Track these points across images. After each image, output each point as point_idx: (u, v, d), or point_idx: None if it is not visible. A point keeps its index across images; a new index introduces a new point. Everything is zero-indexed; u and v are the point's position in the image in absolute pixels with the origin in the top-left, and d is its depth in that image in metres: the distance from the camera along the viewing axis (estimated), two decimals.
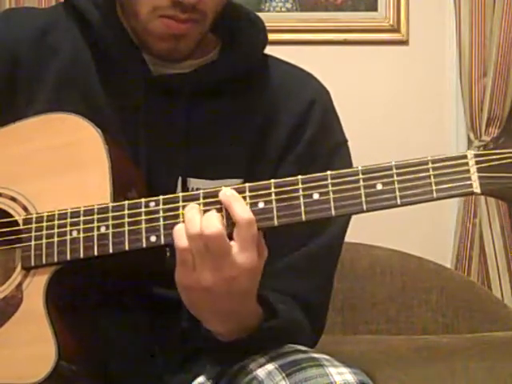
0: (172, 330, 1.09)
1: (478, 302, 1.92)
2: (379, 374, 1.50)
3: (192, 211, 0.90)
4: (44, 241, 0.97)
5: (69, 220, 0.96)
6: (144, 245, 0.93)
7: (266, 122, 1.12)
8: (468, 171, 0.86)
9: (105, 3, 1.11)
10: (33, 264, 0.97)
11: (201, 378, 1.09)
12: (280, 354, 0.99)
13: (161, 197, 0.94)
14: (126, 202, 0.95)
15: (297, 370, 0.94)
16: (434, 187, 0.86)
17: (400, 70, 2.45)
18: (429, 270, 1.96)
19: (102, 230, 0.94)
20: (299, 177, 0.90)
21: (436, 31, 2.43)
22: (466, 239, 2.39)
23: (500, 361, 1.58)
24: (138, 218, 0.94)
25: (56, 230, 0.96)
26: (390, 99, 2.44)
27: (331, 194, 0.89)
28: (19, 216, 0.99)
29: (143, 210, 0.94)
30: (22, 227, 0.99)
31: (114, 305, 1.02)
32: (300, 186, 0.90)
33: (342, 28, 2.43)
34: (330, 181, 0.89)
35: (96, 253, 0.94)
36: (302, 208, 0.89)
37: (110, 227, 0.94)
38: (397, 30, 2.42)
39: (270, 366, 0.97)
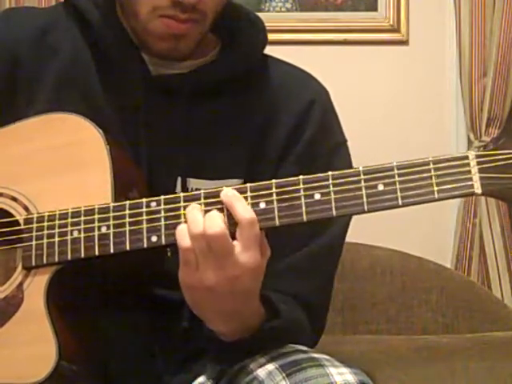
0: (172, 330, 1.09)
1: (478, 302, 1.91)
2: (379, 374, 1.49)
3: (194, 211, 0.91)
4: (45, 240, 0.97)
5: (70, 220, 0.96)
6: (145, 245, 0.93)
7: (266, 122, 1.12)
8: (469, 172, 0.86)
9: (105, 3, 1.11)
10: (34, 264, 0.97)
11: (201, 378, 1.09)
12: (280, 354, 0.99)
13: (162, 197, 0.94)
14: (127, 202, 0.95)
15: (297, 370, 0.94)
16: (435, 188, 0.86)
17: (400, 70, 2.45)
18: (429, 270, 1.96)
19: (103, 229, 0.95)
20: (300, 177, 0.90)
21: (436, 31, 2.43)
22: (466, 239, 2.39)
23: (500, 361, 1.58)
24: (139, 218, 0.94)
25: (57, 230, 0.96)
26: (390, 99, 2.44)
27: (332, 194, 0.89)
28: (20, 216, 0.99)
29: (144, 210, 0.94)
30: (22, 227, 0.99)
31: (115, 305, 1.02)
32: (301, 186, 0.90)
33: (342, 28, 2.43)
34: (331, 181, 0.89)
35: (97, 253, 0.94)
36: (304, 208, 0.89)
37: (111, 227, 0.94)
38: (397, 30, 2.42)
39: (271, 366, 0.97)
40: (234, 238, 0.90)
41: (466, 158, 0.86)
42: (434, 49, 2.43)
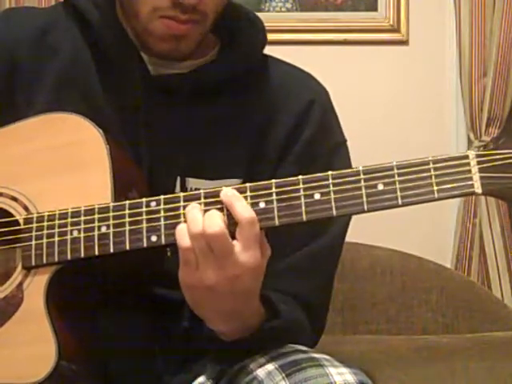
0: (172, 330, 1.09)
1: (478, 302, 1.91)
2: (379, 374, 1.49)
3: (194, 210, 0.91)
4: (45, 240, 0.97)
5: (69, 220, 0.96)
6: (145, 244, 0.93)
7: (266, 121, 1.12)
8: (469, 171, 0.86)
9: (104, 3, 1.11)
10: (33, 264, 0.97)
11: (201, 378, 1.09)
12: (280, 354, 0.99)
13: (162, 196, 0.94)
14: (127, 202, 0.95)
15: (297, 370, 0.94)
16: (435, 187, 0.86)
17: (400, 70, 2.45)
18: (429, 269, 1.96)
19: (103, 229, 0.94)
20: (300, 177, 0.90)
21: (436, 31, 2.43)
22: (466, 239, 2.38)
23: (500, 361, 1.58)
24: (139, 218, 0.94)
25: (57, 230, 0.96)
26: (390, 99, 2.44)
27: (332, 194, 0.89)
28: (20, 216, 0.99)
29: (144, 209, 0.94)
30: (22, 227, 0.99)
31: (115, 304, 1.02)
32: (301, 185, 0.90)
33: (342, 28, 2.43)
34: (331, 181, 0.89)
35: (97, 252, 0.94)
36: (303, 208, 0.89)
37: (111, 227, 0.94)
38: (397, 30, 2.42)
39: (270, 366, 0.97)
40: (234, 237, 0.90)
41: (466, 157, 0.86)
42: (434, 49, 2.43)
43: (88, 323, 1.01)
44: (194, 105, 1.10)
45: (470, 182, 0.86)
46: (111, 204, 0.95)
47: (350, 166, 1.08)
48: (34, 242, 0.97)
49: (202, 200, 0.92)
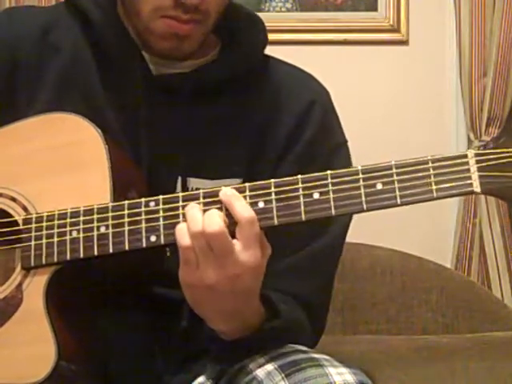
0: (172, 330, 1.09)
1: (478, 302, 1.91)
2: (379, 374, 1.49)
3: (193, 209, 0.91)
4: (44, 241, 0.97)
5: (68, 220, 0.96)
6: (144, 245, 0.93)
7: (266, 121, 1.12)
8: (468, 170, 0.86)
9: (106, 2, 1.11)
10: (33, 264, 0.97)
11: (201, 378, 1.08)
12: (280, 354, 0.99)
13: (160, 196, 0.94)
14: (126, 202, 0.95)
15: (296, 370, 0.94)
16: (433, 186, 0.86)
17: (400, 70, 2.44)
18: (429, 270, 1.96)
19: (102, 229, 0.94)
20: (299, 176, 0.90)
21: (436, 31, 2.43)
22: (466, 239, 2.38)
23: (500, 361, 1.58)
24: (138, 218, 0.94)
25: (56, 230, 0.96)
26: (390, 99, 2.43)
27: (331, 193, 0.89)
28: (19, 216, 0.99)
29: (143, 209, 0.94)
30: (21, 227, 0.99)
31: (114, 304, 1.02)
32: (300, 185, 0.90)
33: (342, 28, 2.43)
34: (329, 180, 0.89)
35: (96, 253, 0.94)
36: (302, 207, 0.89)
37: (110, 227, 0.94)
38: (397, 30, 2.42)
39: (270, 367, 0.97)
40: (233, 237, 0.90)
41: (465, 156, 0.86)
42: (434, 49, 2.43)
43: (87, 323, 1.01)
44: (194, 104, 1.10)
45: (468, 181, 0.85)
46: (110, 204, 0.95)
47: (350, 167, 1.08)
48: (33, 243, 0.97)
49: (201, 200, 0.92)
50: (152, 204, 0.94)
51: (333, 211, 0.88)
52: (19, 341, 0.96)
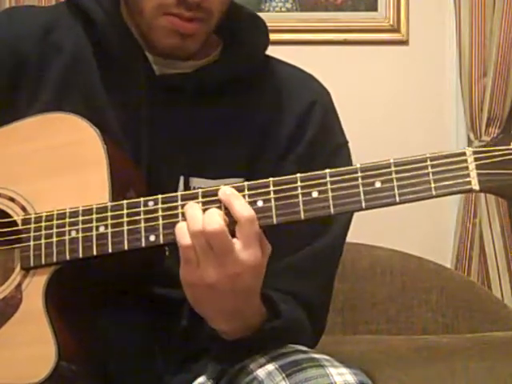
0: (172, 330, 1.09)
1: (478, 302, 1.91)
2: (379, 374, 1.49)
3: (193, 208, 0.91)
4: (43, 241, 0.97)
5: (67, 220, 0.96)
6: (143, 244, 0.93)
7: (268, 122, 1.12)
8: (467, 168, 0.86)
9: (109, 2, 1.11)
10: (32, 264, 0.97)
11: (201, 379, 1.08)
12: (280, 354, 0.99)
13: (159, 196, 0.94)
14: (125, 202, 0.95)
15: (297, 370, 0.94)
16: (432, 184, 0.86)
17: (400, 70, 2.44)
18: (429, 270, 1.96)
19: (101, 229, 0.94)
20: (298, 175, 0.90)
21: (436, 31, 2.43)
22: (466, 239, 2.38)
23: (500, 361, 1.58)
24: (137, 218, 0.94)
25: (55, 230, 0.96)
26: (390, 99, 2.43)
27: (330, 192, 0.89)
28: (18, 216, 0.99)
29: (142, 209, 0.94)
30: (20, 227, 0.99)
31: (114, 304, 1.02)
32: (299, 184, 0.90)
33: (342, 28, 2.43)
34: (328, 179, 0.89)
35: (95, 252, 0.94)
36: (301, 206, 0.89)
37: (109, 227, 0.94)
38: (397, 30, 2.42)
39: (271, 367, 0.97)
40: (233, 235, 0.89)
41: (464, 154, 0.86)
42: (434, 49, 2.43)
43: (87, 323, 1.01)
44: (196, 104, 1.10)
45: (467, 179, 0.85)
46: (109, 204, 0.95)
47: None
48: (32, 243, 0.97)
49: (200, 199, 0.92)
50: (151, 203, 0.94)
51: (332, 210, 0.88)
52: (19, 341, 0.95)
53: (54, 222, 0.97)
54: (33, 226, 0.98)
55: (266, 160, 1.12)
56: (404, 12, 2.41)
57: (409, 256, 1.98)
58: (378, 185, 0.87)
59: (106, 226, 0.94)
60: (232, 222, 0.89)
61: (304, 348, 1.02)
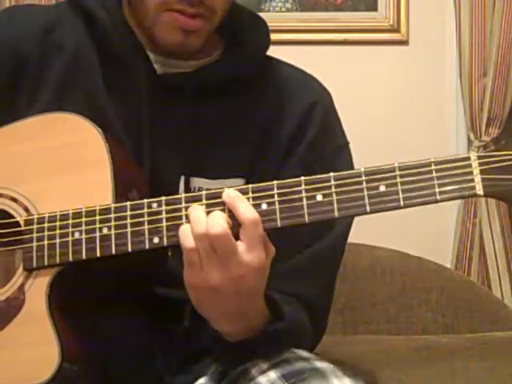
0: (173, 330, 1.09)
1: (478, 302, 1.91)
2: (379, 375, 1.49)
3: (197, 211, 0.90)
4: (46, 242, 0.97)
5: (71, 221, 0.96)
6: (147, 246, 0.93)
7: (268, 122, 1.12)
8: (471, 173, 0.85)
9: (111, 2, 1.11)
10: (35, 265, 0.97)
11: (202, 380, 1.09)
12: (283, 361, 0.99)
13: (163, 198, 0.94)
14: (128, 203, 0.95)
15: (300, 380, 0.94)
16: (437, 189, 0.86)
17: (400, 70, 2.44)
18: (429, 270, 1.95)
19: (105, 231, 0.94)
20: (302, 178, 0.90)
21: (436, 31, 2.43)
22: (466, 239, 2.38)
23: (500, 361, 1.57)
24: (141, 219, 0.93)
25: (58, 231, 0.96)
26: (390, 99, 2.43)
27: (334, 195, 0.88)
28: (20, 217, 0.99)
29: (146, 211, 0.94)
30: (23, 228, 0.98)
31: (115, 305, 1.02)
32: (303, 187, 0.90)
33: (342, 28, 2.43)
34: (333, 182, 0.89)
35: (98, 254, 0.94)
36: (305, 209, 0.89)
37: (113, 228, 0.94)
38: (397, 30, 2.42)
39: (273, 374, 0.97)
40: (237, 238, 0.89)
41: (468, 159, 0.86)
42: (434, 49, 2.43)
43: (89, 324, 1.01)
44: (197, 104, 1.10)
45: (471, 184, 0.85)
46: (112, 205, 0.95)
47: (352, 168, 1.08)
48: (35, 244, 0.97)
49: (204, 201, 0.92)
50: (154, 205, 0.93)
51: (336, 213, 0.88)
52: (22, 342, 0.95)
53: (57, 223, 0.97)
54: (35, 226, 0.98)
55: (267, 160, 1.12)
56: (404, 12, 2.41)
57: (409, 256, 1.97)
58: (382, 189, 0.87)
59: (110, 228, 0.94)
60: (236, 224, 0.89)
61: (307, 354, 1.02)
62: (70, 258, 0.95)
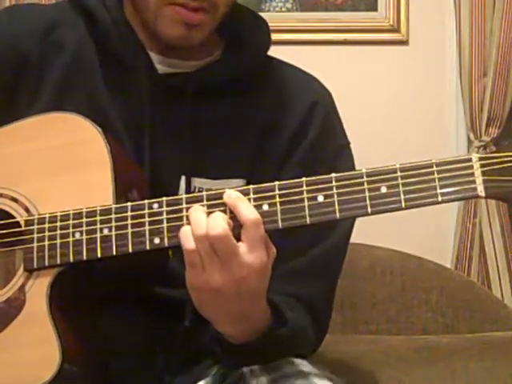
0: (173, 330, 1.10)
1: (478, 302, 1.91)
2: (379, 375, 1.50)
3: (197, 212, 0.90)
4: (46, 243, 0.96)
5: (71, 221, 0.96)
6: (148, 247, 0.93)
7: (269, 122, 1.12)
8: (473, 174, 0.85)
9: (113, 2, 1.10)
10: (35, 266, 0.97)
11: (203, 382, 1.09)
12: (282, 377, 1.00)
13: (164, 198, 0.94)
14: (129, 204, 0.94)
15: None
16: (438, 190, 0.86)
17: (400, 70, 2.44)
18: (429, 269, 1.95)
19: (105, 231, 0.94)
20: (303, 179, 0.90)
21: (436, 31, 2.43)
22: (466, 239, 2.38)
23: (500, 361, 1.58)
24: (142, 220, 0.93)
25: (58, 232, 0.96)
26: (390, 99, 2.43)
27: (336, 196, 0.88)
28: (21, 217, 0.99)
29: (146, 211, 0.93)
30: (24, 228, 0.98)
31: (116, 305, 1.02)
32: (304, 188, 0.89)
33: (342, 28, 2.43)
34: (334, 183, 0.89)
35: (99, 255, 0.94)
36: (307, 211, 0.89)
37: (113, 229, 0.94)
38: (397, 30, 2.42)
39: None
40: (238, 239, 0.89)
41: (470, 160, 0.86)
42: (434, 49, 2.43)
43: (90, 324, 1.01)
44: (198, 104, 1.10)
45: (473, 186, 0.85)
46: (113, 206, 0.95)
47: (353, 169, 1.08)
48: (35, 244, 0.97)
49: (205, 202, 0.92)
50: (155, 206, 0.93)
51: (337, 214, 0.88)
52: (22, 343, 0.95)
53: (58, 223, 0.96)
54: (36, 227, 0.98)
55: (268, 161, 1.12)
56: (404, 12, 2.41)
57: (409, 256, 1.97)
58: (383, 190, 0.87)
59: (111, 229, 0.94)
60: (237, 225, 0.89)
61: (307, 369, 1.04)
62: (71, 259, 0.95)
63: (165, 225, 0.92)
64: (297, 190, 0.90)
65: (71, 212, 0.96)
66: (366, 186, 0.88)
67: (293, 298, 1.06)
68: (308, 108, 1.13)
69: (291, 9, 2.44)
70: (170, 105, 1.09)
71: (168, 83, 1.10)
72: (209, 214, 0.90)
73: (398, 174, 0.87)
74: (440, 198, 0.86)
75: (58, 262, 0.95)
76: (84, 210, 0.96)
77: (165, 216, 0.93)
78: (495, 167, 0.84)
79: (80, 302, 0.99)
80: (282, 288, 1.05)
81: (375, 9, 2.42)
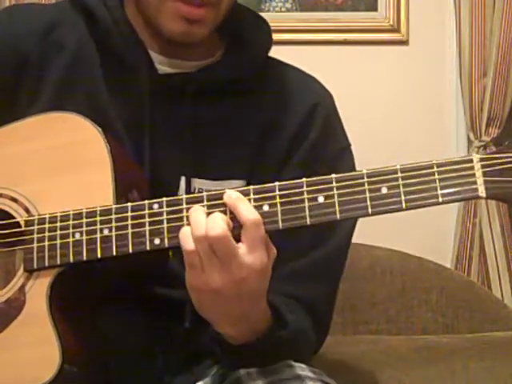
0: (173, 330, 1.09)
1: (478, 302, 1.91)
2: (379, 375, 1.50)
3: (197, 213, 0.90)
4: (46, 243, 0.96)
5: (71, 222, 0.96)
6: (148, 247, 0.93)
7: (270, 123, 1.12)
8: (473, 175, 0.85)
9: (114, 1, 1.10)
10: (35, 266, 0.96)
11: (202, 382, 1.09)
12: (279, 381, 1.00)
13: (164, 199, 0.93)
14: (129, 204, 0.94)
15: None
16: (439, 191, 0.86)
17: (400, 70, 2.44)
18: (429, 269, 1.95)
19: (105, 232, 0.94)
20: (304, 180, 0.90)
21: (436, 31, 2.43)
22: (466, 239, 2.38)
23: (500, 361, 1.57)
24: (142, 221, 0.93)
25: (58, 232, 0.96)
26: (390, 99, 2.43)
27: (336, 197, 0.88)
28: (21, 217, 0.99)
29: (147, 212, 0.93)
30: (24, 229, 0.98)
31: (116, 305, 1.02)
32: (305, 188, 0.89)
33: (342, 28, 2.43)
34: (334, 184, 0.89)
35: (99, 255, 0.94)
36: (307, 211, 0.89)
37: (114, 229, 0.94)
38: (397, 30, 2.42)
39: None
40: (238, 240, 0.89)
41: (471, 161, 0.86)
42: (434, 49, 2.43)
43: (90, 325, 1.01)
44: (198, 105, 1.09)
45: (474, 186, 0.85)
46: (113, 206, 0.95)
47: (354, 171, 1.08)
48: (35, 245, 0.97)
49: (205, 203, 0.91)
50: (156, 206, 0.93)
51: (338, 215, 0.88)
52: (22, 343, 0.95)
53: (58, 223, 0.96)
54: (36, 227, 0.98)
55: (268, 162, 1.11)
56: (404, 12, 2.41)
57: (409, 256, 1.97)
58: (384, 191, 0.87)
59: (111, 229, 0.94)
60: (237, 226, 0.89)
61: (306, 373, 1.03)
62: (71, 259, 0.95)
63: (165, 225, 0.92)
64: (297, 190, 0.89)
65: (71, 212, 0.96)
66: (366, 186, 0.88)
67: (293, 300, 1.06)
68: (309, 109, 1.13)
69: (291, 9, 2.44)
70: (170, 105, 1.09)
71: (168, 83, 1.10)
72: (209, 214, 0.90)
73: (399, 174, 0.87)
74: (441, 199, 0.86)
75: (58, 262, 0.95)
76: (84, 210, 0.96)
77: (165, 216, 0.93)
78: (496, 168, 0.84)
79: (80, 302, 0.99)
80: (282, 289, 1.05)
81: (375, 9, 2.42)
